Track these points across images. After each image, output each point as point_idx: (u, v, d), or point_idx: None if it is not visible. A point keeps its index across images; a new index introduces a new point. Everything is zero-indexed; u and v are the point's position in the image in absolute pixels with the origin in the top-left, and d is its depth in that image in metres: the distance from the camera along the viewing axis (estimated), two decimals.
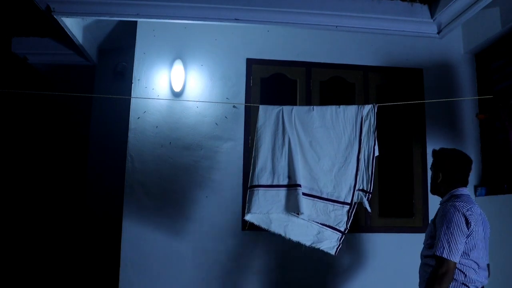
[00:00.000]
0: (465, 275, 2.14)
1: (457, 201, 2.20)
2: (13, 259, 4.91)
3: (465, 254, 2.13)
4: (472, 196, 3.84)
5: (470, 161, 2.45)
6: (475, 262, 2.15)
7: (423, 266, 2.33)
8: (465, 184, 2.39)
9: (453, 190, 2.34)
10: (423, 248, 2.37)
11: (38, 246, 5.08)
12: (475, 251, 2.15)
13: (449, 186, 2.37)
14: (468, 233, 2.12)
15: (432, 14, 3.65)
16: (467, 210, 2.15)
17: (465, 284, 2.15)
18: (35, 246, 5.08)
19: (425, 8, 3.68)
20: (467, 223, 2.12)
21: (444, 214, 2.18)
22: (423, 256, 2.34)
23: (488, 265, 2.26)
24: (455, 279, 2.14)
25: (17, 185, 5.17)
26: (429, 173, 3.82)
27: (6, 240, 4.89)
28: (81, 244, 4.63)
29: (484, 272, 2.20)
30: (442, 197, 2.42)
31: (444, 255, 2.08)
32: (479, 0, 3.19)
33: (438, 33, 3.72)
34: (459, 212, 2.14)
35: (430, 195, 3.81)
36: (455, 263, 2.09)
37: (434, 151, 2.53)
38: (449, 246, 2.08)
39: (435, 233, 2.22)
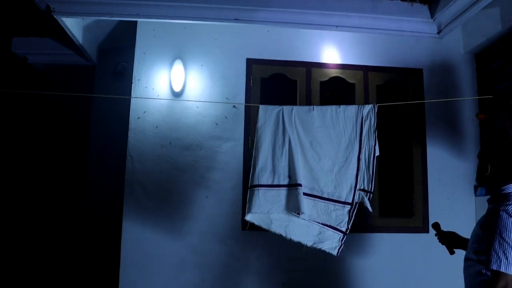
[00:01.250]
0: None
1: (510, 204, 1.92)
2: (13, 259, 4.91)
3: None
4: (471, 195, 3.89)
5: None
6: None
7: (465, 268, 2.12)
8: None
9: (505, 187, 2.02)
10: (467, 250, 2.15)
11: (38, 246, 5.08)
12: None
13: (499, 182, 2.05)
14: None
15: (432, 14, 3.66)
16: None
17: None
18: (35, 246, 5.08)
19: (425, 8, 3.68)
20: None
21: (494, 220, 1.92)
22: (466, 259, 2.13)
23: None
24: None
25: (17, 185, 5.16)
26: (429, 173, 3.88)
27: (6, 240, 4.89)
28: (81, 244, 4.63)
29: None
30: (490, 192, 2.14)
31: (502, 269, 1.83)
32: (479, 0, 3.19)
33: (438, 33, 3.72)
34: None
35: (430, 195, 3.84)
36: None
37: (491, 140, 2.22)
38: (506, 257, 1.83)
39: (482, 238, 1.99)
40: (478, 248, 2.00)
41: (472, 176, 3.90)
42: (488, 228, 1.95)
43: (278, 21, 3.56)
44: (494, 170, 2.08)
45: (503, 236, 1.85)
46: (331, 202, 2.75)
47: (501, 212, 1.90)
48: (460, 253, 2.26)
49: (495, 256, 1.85)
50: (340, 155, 2.79)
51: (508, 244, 1.84)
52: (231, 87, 3.85)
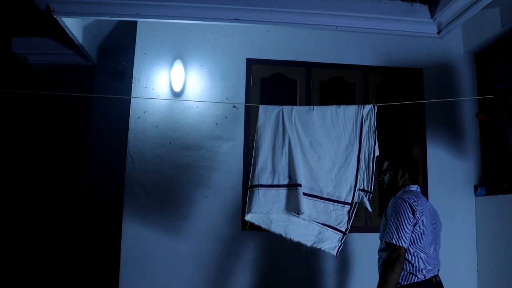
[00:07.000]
0: (412, 265, 2.32)
1: (406, 195, 2.44)
2: (14, 259, 4.91)
3: (413, 242, 2.33)
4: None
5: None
6: (422, 251, 2.33)
7: (380, 261, 2.49)
8: (417, 182, 2.67)
9: (410, 186, 2.58)
10: (380, 244, 2.54)
11: (38, 246, 5.08)
12: (422, 239, 2.34)
13: (409, 183, 2.61)
14: (415, 221, 2.34)
15: (432, 14, 3.65)
16: (414, 201, 2.38)
17: (412, 273, 2.32)
18: (36, 246, 5.08)
19: (425, 8, 3.68)
20: (413, 212, 2.34)
21: (393, 206, 2.42)
22: (379, 251, 2.53)
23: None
24: (404, 268, 2.30)
25: (17, 186, 5.16)
26: (429, 173, 3.88)
27: (6, 240, 4.89)
28: (81, 244, 4.63)
29: (433, 261, 2.37)
30: (396, 193, 2.62)
31: (394, 241, 2.29)
32: (479, 0, 3.18)
33: (438, 33, 3.71)
34: (406, 203, 2.38)
35: (430, 195, 3.84)
36: (405, 249, 2.29)
37: (393, 154, 2.85)
38: (398, 232, 2.29)
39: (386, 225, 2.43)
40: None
41: (471, 176, 3.90)
42: (389, 214, 2.44)
43: (278, 21, 3.56)
44: (410, 174, 2.63)
45: (397, 216, 2.35)
46: (331, 202, 2.74)
47: (398, 199, 2.44)
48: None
49: (389, 231, 2.34)
50: (340, 155, 2.78)
51: (400, 221, 2.32)
52: (231, 87, 3.85)
